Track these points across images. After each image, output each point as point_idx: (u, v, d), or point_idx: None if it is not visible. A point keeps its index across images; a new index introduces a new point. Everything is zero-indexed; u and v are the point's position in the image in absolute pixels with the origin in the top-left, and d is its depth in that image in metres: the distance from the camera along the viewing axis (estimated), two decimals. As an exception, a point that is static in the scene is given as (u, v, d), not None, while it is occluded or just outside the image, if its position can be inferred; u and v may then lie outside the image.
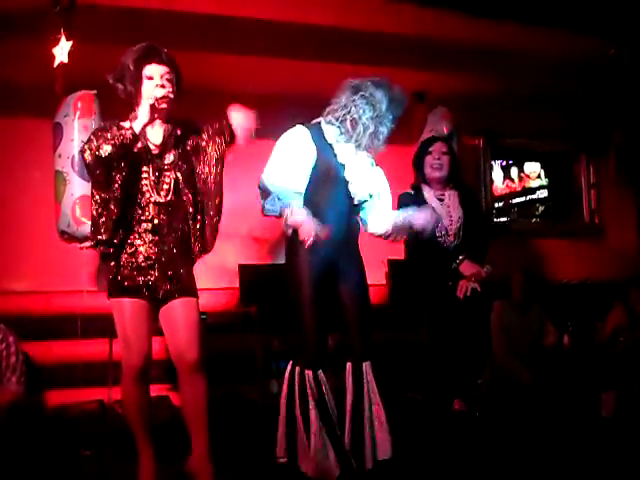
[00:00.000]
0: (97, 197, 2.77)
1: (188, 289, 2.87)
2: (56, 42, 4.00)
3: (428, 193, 4.06)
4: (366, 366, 3.11)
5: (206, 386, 2.85)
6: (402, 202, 4.04)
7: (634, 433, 3.79)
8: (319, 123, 3.24)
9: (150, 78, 2.81)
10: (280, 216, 3.04)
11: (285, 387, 3.10)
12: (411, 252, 4.12)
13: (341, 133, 3.18)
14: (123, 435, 3.05)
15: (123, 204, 2.78)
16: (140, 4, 4.06)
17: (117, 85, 2.87)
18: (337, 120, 3.17)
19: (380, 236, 3.39)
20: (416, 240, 3.99)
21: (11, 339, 3.92)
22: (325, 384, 3.07)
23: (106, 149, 2.70)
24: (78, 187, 4.11)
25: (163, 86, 2.80)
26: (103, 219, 2.77)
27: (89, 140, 2.77)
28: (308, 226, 2.92)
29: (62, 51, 4.01)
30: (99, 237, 2.78)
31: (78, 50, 3.98)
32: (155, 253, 2.83)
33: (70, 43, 3.99)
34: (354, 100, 3.12)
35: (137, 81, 2.82)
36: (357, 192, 3.20)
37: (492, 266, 3.92)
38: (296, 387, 3.04)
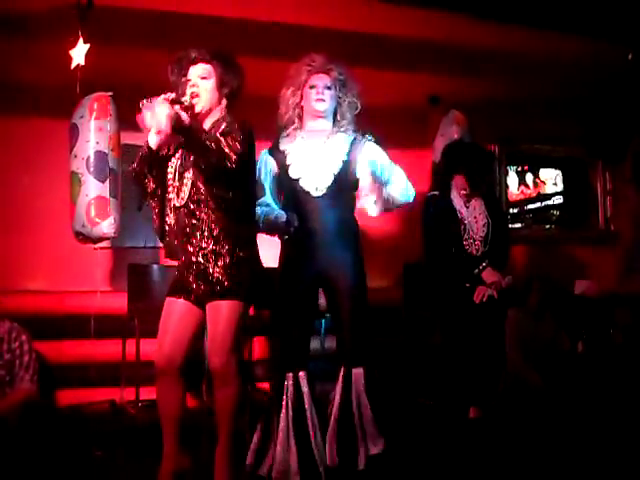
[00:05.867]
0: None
1: (223, 291, 2.77)
2: (74, 44, 4.03)
3: (456, 197, 4.04)
4: (356, 373, 3.03)
5: (233, 392, 2.75)
6: (429, 205, 4.03)
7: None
8: (278, 137, 3.25)
9: (188, 81, 2.84)
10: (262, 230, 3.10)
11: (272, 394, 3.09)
12: (433, 255, 4.08)
13: (290, 132, 3.18)
14: (135, 435, 3.06)
15: (163, 212, 2.88)
16: (156, 6, 4.08)
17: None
18: (283, 125, 3.20)
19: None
20: (440, 244, 3.98)
21: (24, 337, 3.93)
22: (305, 386, 3.03)
23: (133, 164, 2.83)
24: (93, 188, 4.14)
25: (195, 85, 2.80)
26: (155, 226, 2.93)
27: None
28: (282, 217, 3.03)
29: (79, 53, 4.03)
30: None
31: (96, 52, 4.00)
32: (187, 255, 2.84)
33: (87, 45, 4.02)
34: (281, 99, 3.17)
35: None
36: (310, 185, 3.11)
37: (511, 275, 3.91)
38: (276, 392, 3.03)
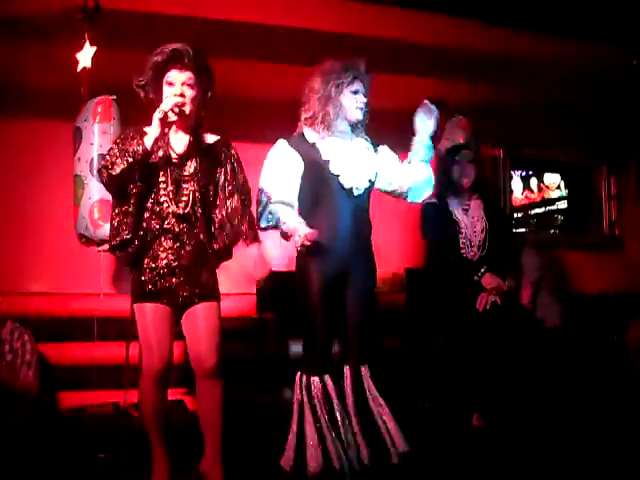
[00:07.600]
0: (116, 209, 2.84)
1: (209, 293, 2.89)
2: (80, 47, 4.04)
3: (453, 203, 4.02)
4: (364, 369, 3.13)
5: (222, 391, 2.88)
6: (426, 212, 4.02)
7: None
8: (301, 132, 3.24)
9: (171, 84, 2.81)
10: (276, 227, 3.11)
11: (296, 397, 3.10)
12: (432, 262, 4.08)
13: (322, 129, 3.19)
14: (138, 438, 3.06)
15: (140, 215, 2.83)
16: (163, 10, 4.09)
17: (139, 91, 2.87)
18: (311, 119, 3.19)
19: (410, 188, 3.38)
20: (438, 250, 3.98)
21: (26, 337, 3.98)
22: (332, 388, 3.07)
23: (118, 167, 2.74)
24: (96, 191, 4.14)
25: (182, 95, 2.78)
26: (120, 227, 2.83)
27: (105, 158, 2.81)
28: (299, 231, 2.98)
29: (86, 56, 4.04)
30: (113, 242, 2.86)
31: (100, 55, 4.01)
32: (176, 260, 2.85)
33: (94, 48, 4.03)
34: (316, 93, 3.17)
35: (158, 88, 2.83)
36: (350, 183, 3.16)
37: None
38: (304, 396, 3.05)
